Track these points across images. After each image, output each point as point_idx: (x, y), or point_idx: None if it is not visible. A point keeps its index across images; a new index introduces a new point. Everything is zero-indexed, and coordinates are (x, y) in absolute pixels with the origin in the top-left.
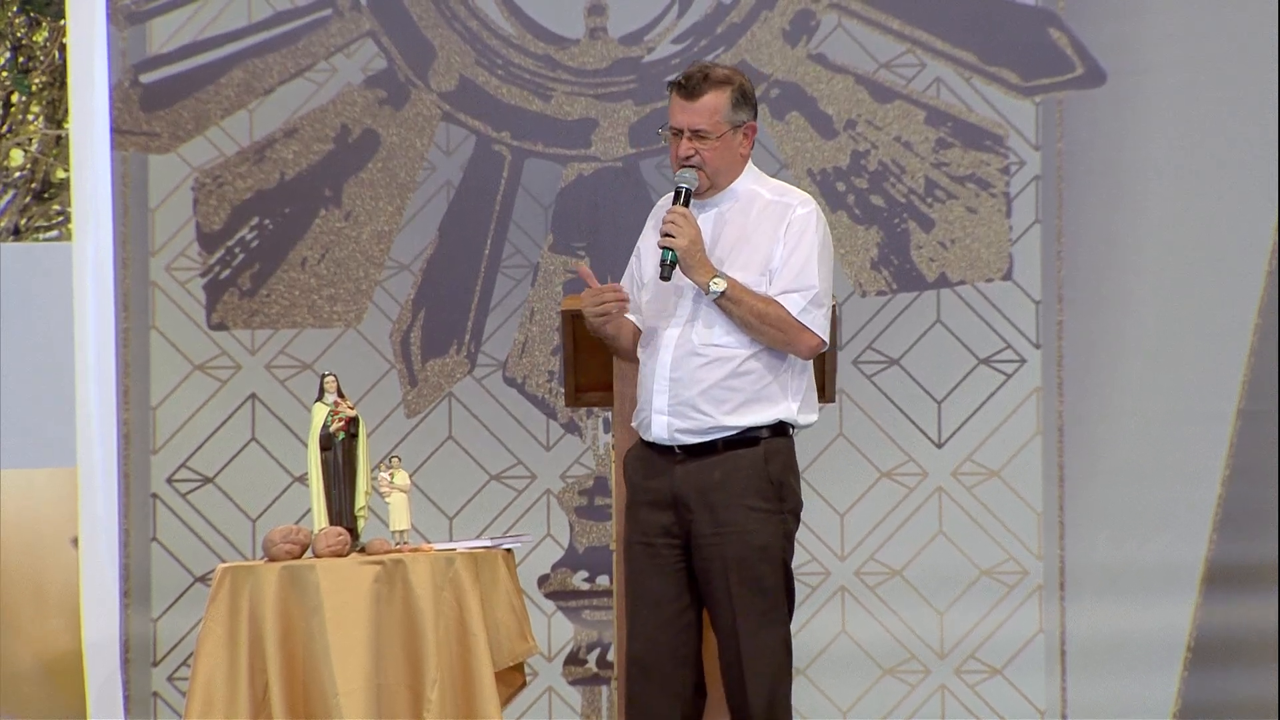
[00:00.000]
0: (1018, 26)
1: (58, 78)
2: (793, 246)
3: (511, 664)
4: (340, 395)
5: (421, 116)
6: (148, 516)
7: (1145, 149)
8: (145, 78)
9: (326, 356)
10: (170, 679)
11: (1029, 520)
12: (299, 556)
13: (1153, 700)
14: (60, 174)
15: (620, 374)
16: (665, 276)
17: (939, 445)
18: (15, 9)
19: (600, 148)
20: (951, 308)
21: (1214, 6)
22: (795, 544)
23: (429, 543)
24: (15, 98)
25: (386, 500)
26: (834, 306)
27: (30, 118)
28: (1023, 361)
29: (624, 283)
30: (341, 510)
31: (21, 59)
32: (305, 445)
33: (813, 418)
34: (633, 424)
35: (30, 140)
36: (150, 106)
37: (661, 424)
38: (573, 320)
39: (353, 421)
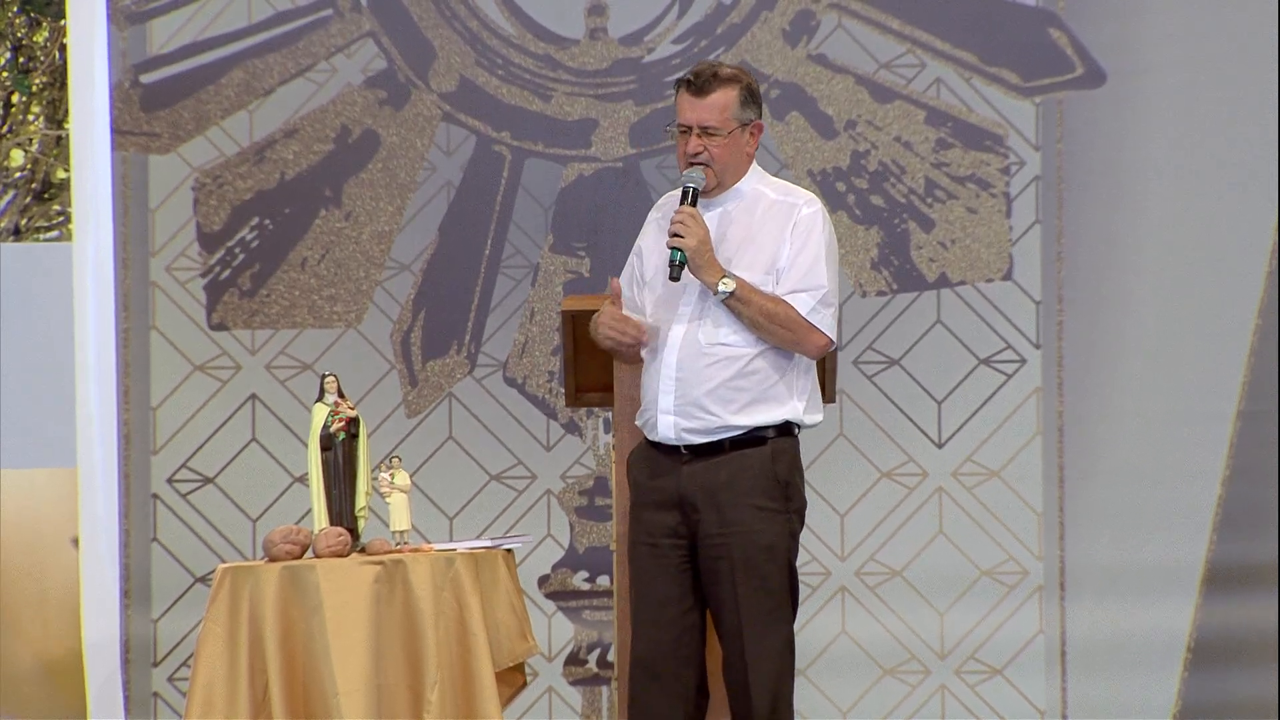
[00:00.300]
0: (1018, 27)
1: (58, 78)
2: (800, 246)
3: (512, 664)
4: (341, 395)
5: (422, 117)
6: (148, 517)
7: (1145, 149)
8: (145, 78)
9: (327, 357)
10: (170, 679)
11: (1029, 520)
12: (299, 557)
13: (1153, 701)
14: (60, 174)
15: (620, 375)
16: (674, 277)
17: (939, 445)
18: (15, 9)
19: (600, 148)
20: (952, 308)
21: (1214, 6)
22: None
23: (429, 543)
24: (16, 98)
25: (387, 500)
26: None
27: (30, 118)
28: (1023, 362)
29: (623, 281)
30: (342, 510)
31: (22, 59)
32: (305, 445)
33: (818, 417)
34: (636, 423)
35: (30, 140)
36: (150, 107)
37: (668, 423)
38: (573, 320)
39: (353, 422)
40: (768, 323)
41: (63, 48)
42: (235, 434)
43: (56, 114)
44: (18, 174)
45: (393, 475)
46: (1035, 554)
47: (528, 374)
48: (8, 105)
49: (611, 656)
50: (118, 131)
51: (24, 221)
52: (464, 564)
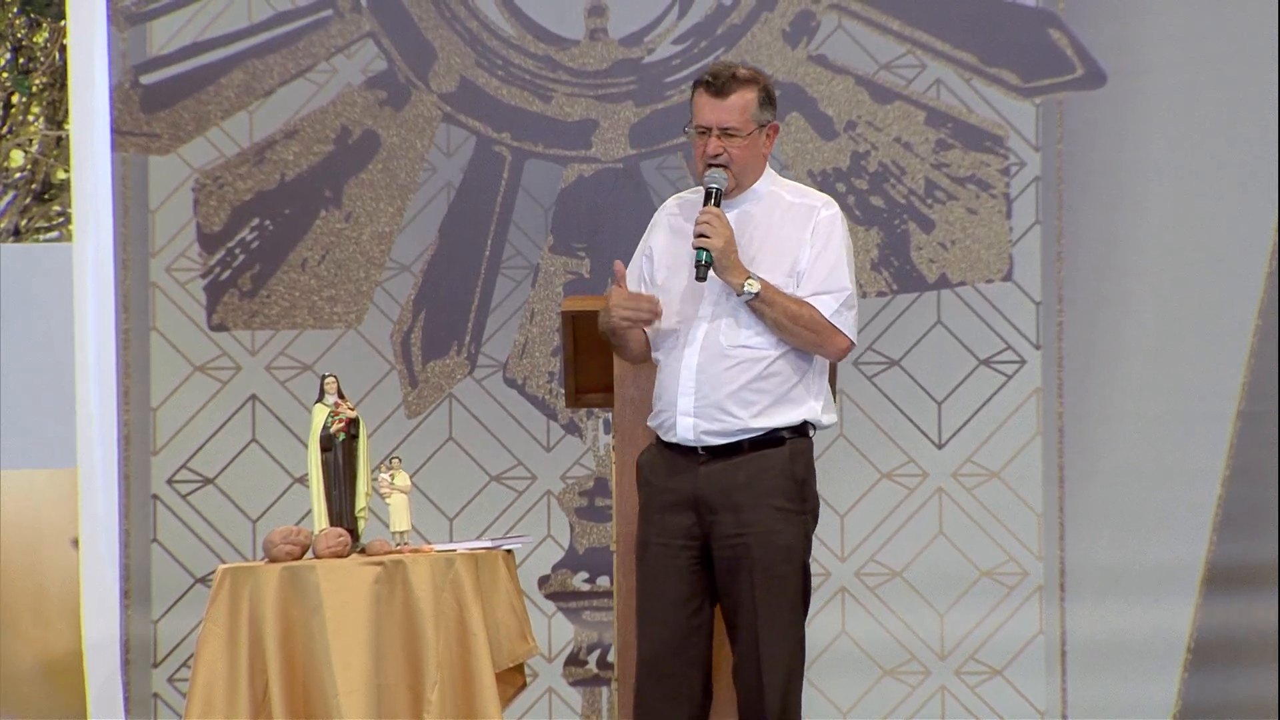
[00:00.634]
0: (1018, 27)
1: (58, 79)
2: (821, 248)
3: (512, 665)
4: (341, 396)
5: (422, 117)
6: (148, 517)
7: (1145, 150)
8: (145, 79)
9: (327, 357)
10: (170, 680)
11: (1029, 521)
12: (299, 557)
13: (1153, 701)
14: (60, 175)
15: (620, 375)
16: (701, 277)
17: (939, 446)
18: (16, 10)
19: (600, 149)
20: (952, 309)
21: (1214, 6)
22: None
23: (429, 544)
24: (16, 99)
25: (387, 501)
26: None
27: (31, 119)
28: (1023, 362)
29: (631, 282)
30: (342, 511)
31: (22, 60)
32: (306, 446)
33: (834, 418)
34: (650, 424)
35: (31, 141)
36: (150, 107)
37: (687, 425)
38: (573, 321)
39: (353, 422)
40: (792, 324)
41: (63, 48)
42: (235, 435)
43: (56, 115)
44: (18, 174)
45: (393, 476)
46: (1035, 554)
47: (528, 375)
48: (8, 106)
49: (611, 657)
50: (118, 132)
51: (24, 222)
52: (464, 565)
